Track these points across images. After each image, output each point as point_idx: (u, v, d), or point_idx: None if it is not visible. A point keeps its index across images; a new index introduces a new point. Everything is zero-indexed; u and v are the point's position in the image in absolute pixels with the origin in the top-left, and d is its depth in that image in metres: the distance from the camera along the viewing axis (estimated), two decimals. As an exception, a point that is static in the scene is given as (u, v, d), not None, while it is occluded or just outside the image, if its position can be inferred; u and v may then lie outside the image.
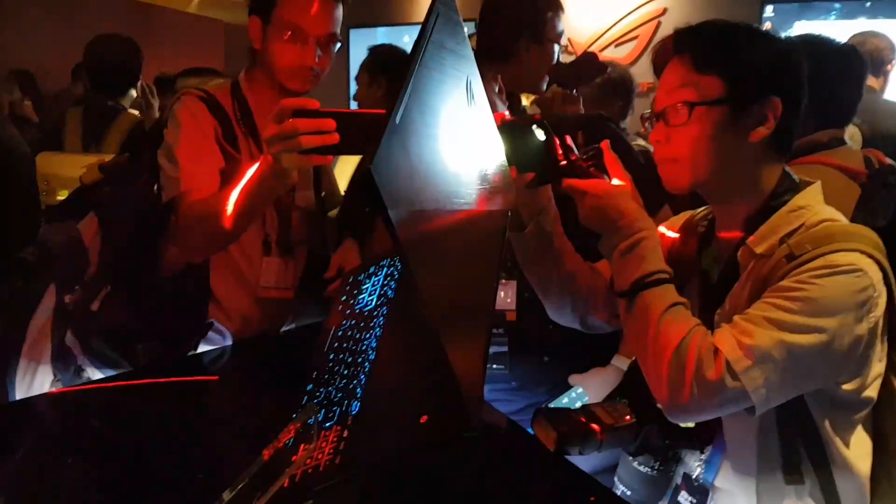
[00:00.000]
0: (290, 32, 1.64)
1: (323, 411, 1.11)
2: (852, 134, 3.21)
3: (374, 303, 1.39)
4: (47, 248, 1.93)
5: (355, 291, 1.49)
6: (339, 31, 1.71)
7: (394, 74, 3.17)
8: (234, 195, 1.47)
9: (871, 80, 3.35)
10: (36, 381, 1.80)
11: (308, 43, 1.65)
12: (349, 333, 1.34)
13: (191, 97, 1.73)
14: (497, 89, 2.04)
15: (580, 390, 1.73)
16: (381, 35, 8.10)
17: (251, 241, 1.79)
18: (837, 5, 5.74)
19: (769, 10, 5.96)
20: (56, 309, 1.84)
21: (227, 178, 1.65)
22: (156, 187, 1.71)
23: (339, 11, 1.70)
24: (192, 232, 1.65)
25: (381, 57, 3.17)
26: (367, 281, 1.49)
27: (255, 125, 1.76)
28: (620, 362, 1.74)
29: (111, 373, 1.71)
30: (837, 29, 5.60)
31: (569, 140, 1.24)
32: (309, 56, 1.66)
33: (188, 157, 1.65)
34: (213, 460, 1.23)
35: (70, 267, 1.86)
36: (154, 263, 1.79)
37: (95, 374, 1.77)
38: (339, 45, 1.73)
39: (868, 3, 5.60)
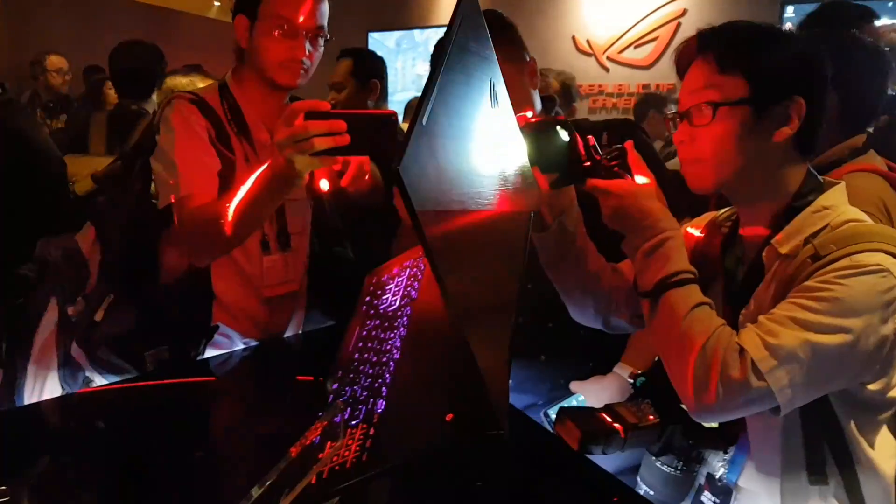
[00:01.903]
0: (278, 26, 1.64)
1: (349, 409, 1.12)
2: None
3: (398, 303, 1.40)
4: (46, 262, 1.93)
5: (379, 292, 1.51)
6: (326, 25, 1.71)
7: (385, 77, 3.16)
8: (241, 199, 1.46)
9: None
10: (45, 396, 1.80)
11: (297, 36, 1.66)
12: (374, 333, 1.35)
13: (181, 101, 1.72)
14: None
15: (581, 398, 1.73)
16: (398, 38, 8.14)
17: (251, 240, 1.78)
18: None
19: (790, 11, 5.93)
20: (59, 322, 1.84)
21: (225, 179, 1.66)
22: (150, 193, 1.72)
23: (325, 6, 1.70)
24: (198, 238, 1.64)
25: (369, 61, 3.14)
26: (391, 281, 1.51)
27: (247, 124, 1.77)
28: (622, 370, 1.73)
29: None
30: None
31: (592, 140, 1.24)
32: (299, 49, 1.66)
33: (186, 161, 1.65)
34: (218, 463, 1.26)
35: (70, 279, 1.86)
36: (155, 269, 1.80)
37: (103, 384, 1.77)
38: (327, 38, 1.73)
39: (890, 4, 5.55)
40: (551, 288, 1.41)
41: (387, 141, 1.25)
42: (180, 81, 2.62)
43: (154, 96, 3.36)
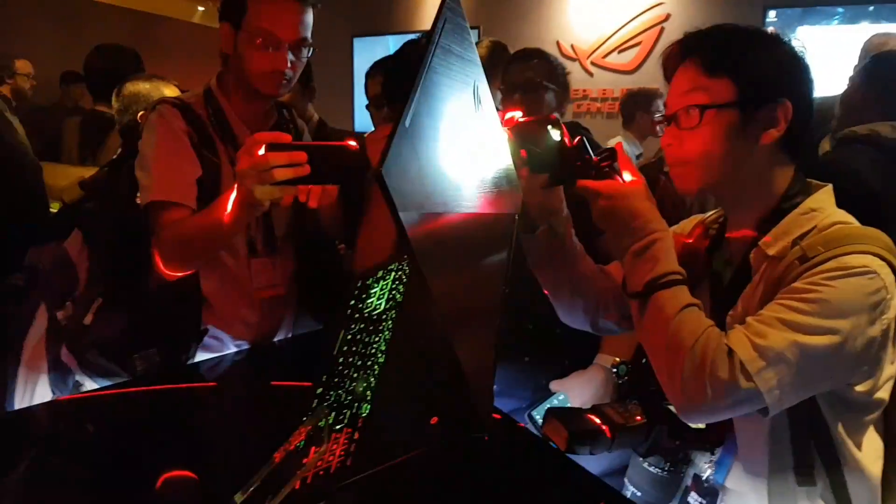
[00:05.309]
0: (261, 38, 1.64)
1: (333, 414, 1.11)
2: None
3: (382, 306, 1.39)
4: (36, 270, 1.93)
5: (364, 295, 1.49)
6: (310, 36, 1.71)
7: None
8: (207, 219, 1.50)
9: None
10: (35, 401, 1.80)
11: (280, 48, 1.66)
12: (358, 337, 1.34)
13: (165, 106, 1.73)
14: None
15: (562, 396, 1.72)
16: (383, 43, 8.14)
17: (238, 243, 1.79)
18: (840, 10, 5.74)
19: (772, 15, 5.97)
20: (49, 326, 1.85)
21: (209, 184, 1.67)
22: (138, 198, 1.71)
23: (309, 17, 1.70)
24: (170, 251, 1.64)
25: (313, 67, 3.20)
26: (376, 285, 1.49)
27: (231, 129, 1.77)
28: (604, 361, 1.73)
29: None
30: (840, 34, 5.61)
31: (583, 140, 1.23)
32: (281, 61, 1.67)
33: (161, 166, 1.65)
34: (204, 468, 1.24)
35: (59, 284, 1.86)
36: (143, 273, 1.79)
37: (93, 387, 1.77)
38: (311, 49, 1.73)
39: (871, 8, 5.60)
40: (529, 288, 1.40)
41: (347, 171, 1.30)
42: (143, 87, 2.57)
43: (114, 101, 3.25)
